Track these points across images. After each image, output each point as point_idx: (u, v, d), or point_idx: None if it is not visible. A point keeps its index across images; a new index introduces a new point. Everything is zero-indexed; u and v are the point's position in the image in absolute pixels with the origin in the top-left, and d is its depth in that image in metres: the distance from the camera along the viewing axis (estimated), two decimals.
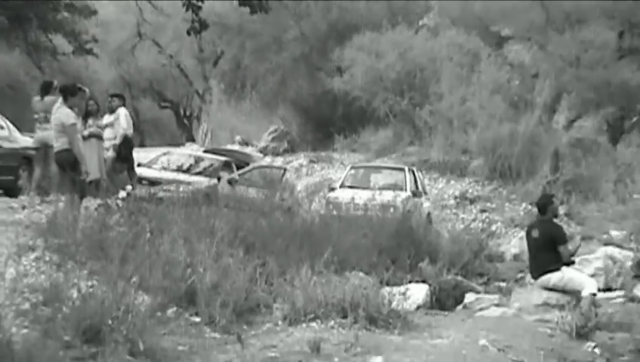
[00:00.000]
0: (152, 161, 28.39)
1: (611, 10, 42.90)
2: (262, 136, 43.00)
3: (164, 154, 30.14)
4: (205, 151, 34.47)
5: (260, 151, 41.71)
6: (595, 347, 13.05)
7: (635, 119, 45.05)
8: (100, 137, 19.89)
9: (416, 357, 10.03)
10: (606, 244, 22.98)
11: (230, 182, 26.55)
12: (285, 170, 31.83)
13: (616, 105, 42.64)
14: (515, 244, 24.82)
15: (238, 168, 29.66)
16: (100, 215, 14.79)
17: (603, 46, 41.84)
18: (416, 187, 27.81)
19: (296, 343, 10.24)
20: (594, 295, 14.46)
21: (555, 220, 15.17)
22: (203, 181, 25.60)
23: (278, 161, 38.46)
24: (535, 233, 14.97)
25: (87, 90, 17.76)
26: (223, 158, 30.18)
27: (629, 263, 20.55)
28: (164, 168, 27.77)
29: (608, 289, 18.54)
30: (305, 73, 45.06)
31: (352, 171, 28.87)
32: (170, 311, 11.00)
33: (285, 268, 12.85)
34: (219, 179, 26.58)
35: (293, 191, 25.14)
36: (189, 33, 20.96)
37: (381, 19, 44.01)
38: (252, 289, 12.15)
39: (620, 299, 17.71)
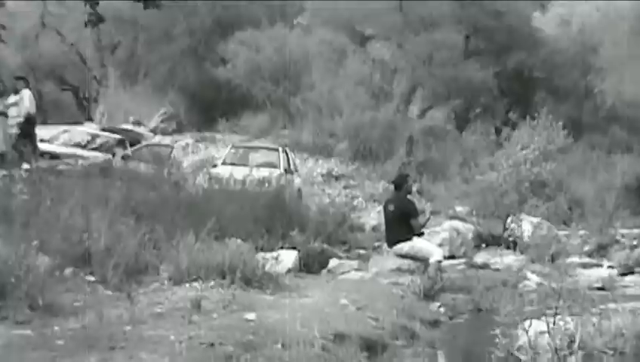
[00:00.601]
0: (54, 137, 28.05)
1: (459, 17, 44.05)
2: (153, 117, 42.68)
3: (65, 131, 29.81)
4: (102, 130, 34.18)
5: (151, 131, 41.42)
6: (440, 306, 13.25)
7: (478, 111, 45.78)
8: (5, 115, 19.72)
9: (285, 314, 10.03)
10: (451, 218, 23.30)
11: (124, 157, 26.37)
12: (173, 148, 31.70)
13: (462, 98, 43.53)
14: (373, 217, 25.00)
15: (131, 145, 29.50)
16: (5, 184, 14.54)
17: (452, 47, 42.99)
18: (289, 165, 27.92)
19: (179, 300, 10.18)
20: (440, 262, 14.66)
21: (409, 196, 15.31)
22: (99, 156, 25.40)
23: (167, 140, 38.18)
24: (391, 207, 15.09)
25: None
26: (117, 136, 29.99)
27: (471, 235, 20.88)
28: (64, 144, 27.46)
29: (452, 257, 18.81)
30: (192, 63, 44.94)
31: (233, 150, 28.84)
32: (67, 271, 10.88)
33: (172, 235, 12.76)
34: (113, 154, 26.38)
35: (180, 167, 24.98)
36: (87, 25, 20.95)
37: (260, 18, 44.26)
38: (141, 253, 12.04)
39: (462, 266, 18.00)
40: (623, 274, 18.82)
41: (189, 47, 45.41)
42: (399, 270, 15.05)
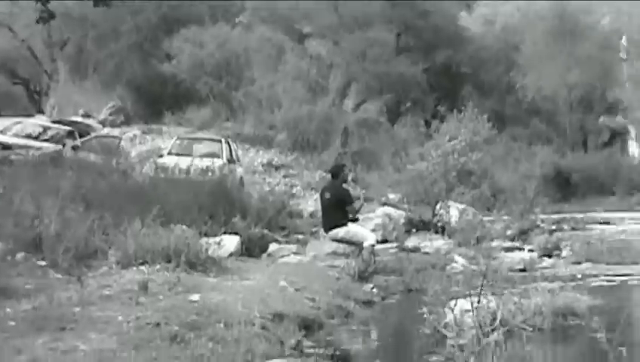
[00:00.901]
0: (6, 129, 27.70)
1: (390, 16, 44.49)
2: (102, 110, 42.39)
3: (17, 123, 29.45)
4: (53, 122, 33.82)
5: (100, 123, 41.08)
6: (373, 287, 13.29)
7: (408, 104, 46.00)
8: None
9: (228, 295, 10.01)
10: (384, 205, 23.35)
11: (74, 148, 26.13)
12: (121, 139, 31.51)
13: (394, 92, 43.75)
14: (311, 204, 25.04)
15: (81, 136, 29.23)
16: None
17: (384, 44, 43.34)
18: (231, 155, 27.88)
19: (127, 283, 10.12)
20: (373, 246, 14.68)
21: (344, 185, 15.32)
22: (50, 147, 25.15)
23: (115, 132, 37.92)
24: (327, 195, 15.08)
25: None
26: (67, 128, 29.69)
27: (402, 220, 20.96)
28: (17, 135, 27.14)
29: (385, 241, 18.86)
30: (139, 58, 44.66)
31: (178, 141, 28.75)
32: (19, 256, 10.83)
33: (120, 221, 12.68)
34: (64, 145, 26.14)
35: (128, 157, 24.87)
36: (38, 22, 20.88)
37: (204, 16, 44.17)
38: (91, 238, 11.97)
39: (394, 250, 18.05)
40: (543, 257, 19.04)
41: (136, 43, 45.14)
42: (335, 253, 15.09)
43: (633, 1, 44.51)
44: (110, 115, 42.10)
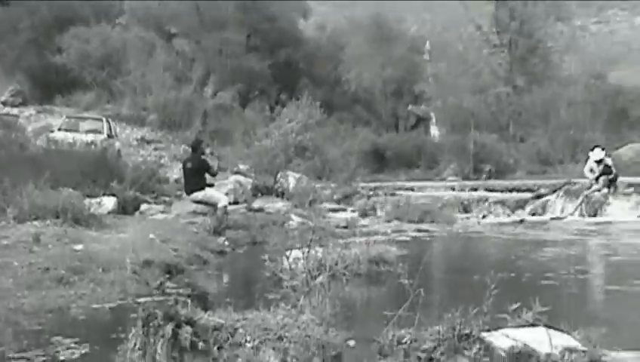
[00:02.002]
0: None
1: (242, 20, 44.76)
2: (3, 93, 41.09)
3: None
4: None
5: (1, 104, 39.88)
6: (225, 240, 13.35)
7: (256, 93, 46.10)
8: None
9: (106, 245, 9.96)
10: (235, 173, 23.40)
11: None
12: (19, 117, 30.76)
13: (244, 83, 43.82)
14: (176, 172, 24.84)
15: None
16: None
17: (237, 43, 43.53)
18: (110, 132, 27.58)
19: (22, 235, 9.95)
20: (226, 207, 14.74)
21: (203, 156, 15.29)
22: None
23: (15, 111, 36.95)
24: (189, 165, 15.05)
25: None
26: None
27: (250, 186, 21.05)
28: None
29: (236, 203, 18.91)
30: (35, 51, 43.29)
31: (67, 120, 28.25)
32: None
33: (17, 184, 12.40)
34: None
35: (25, 132, 24.29)
36: None
37: (89, 17, 43.41)
38: None
39: (243, 210, 18.13)
40: (362, 216, 19.45)
41: (33, 38, 43.84)
42: (195, 213, 15.07)
43: (435, 14, 45.84)
44: (11, 96, 40.83)
